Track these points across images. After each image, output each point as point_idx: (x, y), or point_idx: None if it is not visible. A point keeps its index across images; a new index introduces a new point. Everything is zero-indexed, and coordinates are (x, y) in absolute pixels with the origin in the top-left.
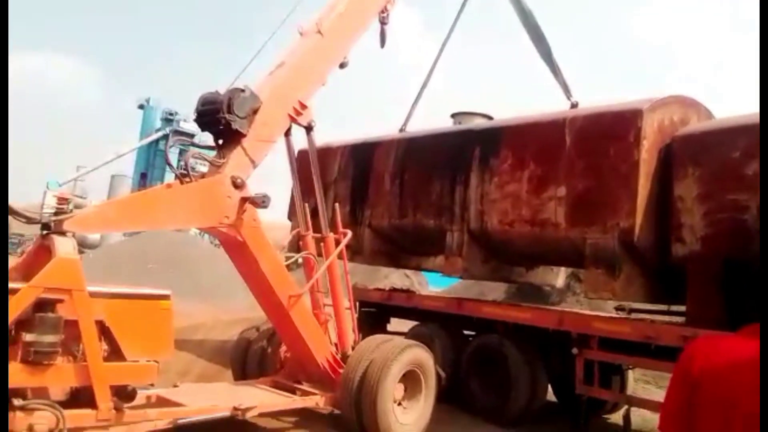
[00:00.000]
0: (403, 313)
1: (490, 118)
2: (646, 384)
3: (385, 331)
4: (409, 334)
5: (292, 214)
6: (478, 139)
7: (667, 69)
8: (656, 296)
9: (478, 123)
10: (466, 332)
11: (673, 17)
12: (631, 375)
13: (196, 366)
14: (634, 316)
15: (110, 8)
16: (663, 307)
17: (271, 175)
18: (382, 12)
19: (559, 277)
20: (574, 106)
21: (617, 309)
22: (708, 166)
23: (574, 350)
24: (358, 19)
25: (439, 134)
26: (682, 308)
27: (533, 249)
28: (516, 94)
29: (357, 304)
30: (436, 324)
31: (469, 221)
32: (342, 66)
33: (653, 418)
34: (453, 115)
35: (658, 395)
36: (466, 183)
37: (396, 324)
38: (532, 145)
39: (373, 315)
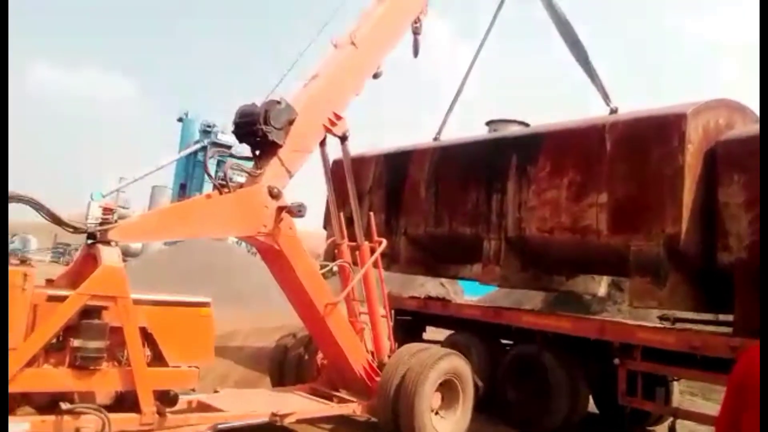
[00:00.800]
0: (439, 321)
1: (526, 125)
2: (693, 396)
3: (420, 340)
4: (445, 343)
5: (327, 223)
6: (514, 146)
7: (713, 72)
8: (703, 305)
9: (514, 130)
10: (503, 341)
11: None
12: (677, 386)
13: (235, 372)
14: (678, 325)
15: (147, 26)
16: (710, 317)
17: (307, 184)
18: (415, 22)
19: (601, 285)
20: (613, 111)
21: (661, 318)
22: (753, 171)
23: (616, 360)
24: (391, 30)
25: (475, 142)
26: (730, 318)
27: (574, 256)
28: (552, 101)
29: (392, 312)
30: (473, 333)
31: (507, 229)
32: (376, 76)
33: (701, 430)
34: (488, 123)
35: (706, 407)
36: (503, 191)
37: (431, 333)
38: (571, 151)
39: (409, 323)
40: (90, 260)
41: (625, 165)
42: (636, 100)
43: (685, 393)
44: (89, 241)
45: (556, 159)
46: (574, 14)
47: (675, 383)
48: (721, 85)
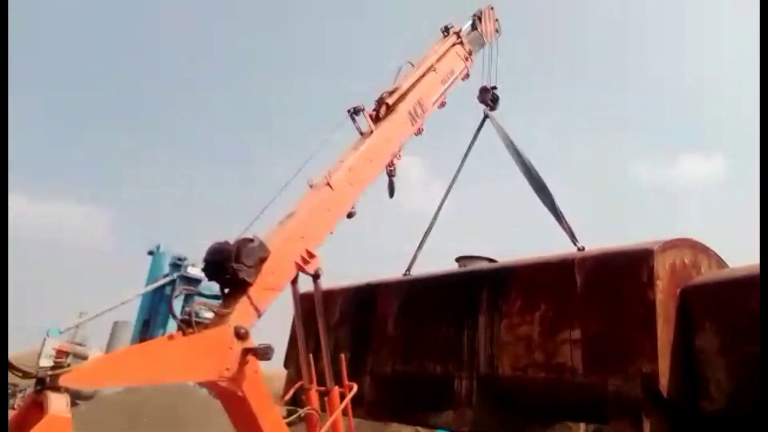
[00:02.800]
0: None
1: (493, 261)
2: None
3: None
4: None
5: (289, 362)
6: (485, 280)
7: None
8: None
9: (484, 265)
10: None
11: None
12: None
13: None
14: None
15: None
16: None
17: (264, 321)
18: (389, 165)
19: None
20: (581, 251)
21: None
22: (726, 318)
23: None
24: (366, 173)
25: (445, 276)
26: None
27: (549, 399)
28: (520, 235)
29: None
30: None
31: (479, 366)
32: (350, 216)
33: None
34: (458, 259)
35: None
36: (474, 326)
37: None
38: (542, 285)
39: None
40: (36, 408)
41: (597, 301)
42: (603, 242)
43: None
44: (38, 387)
45: (527, 293)
46: (540, 162)
47: None
48: (682, 231)
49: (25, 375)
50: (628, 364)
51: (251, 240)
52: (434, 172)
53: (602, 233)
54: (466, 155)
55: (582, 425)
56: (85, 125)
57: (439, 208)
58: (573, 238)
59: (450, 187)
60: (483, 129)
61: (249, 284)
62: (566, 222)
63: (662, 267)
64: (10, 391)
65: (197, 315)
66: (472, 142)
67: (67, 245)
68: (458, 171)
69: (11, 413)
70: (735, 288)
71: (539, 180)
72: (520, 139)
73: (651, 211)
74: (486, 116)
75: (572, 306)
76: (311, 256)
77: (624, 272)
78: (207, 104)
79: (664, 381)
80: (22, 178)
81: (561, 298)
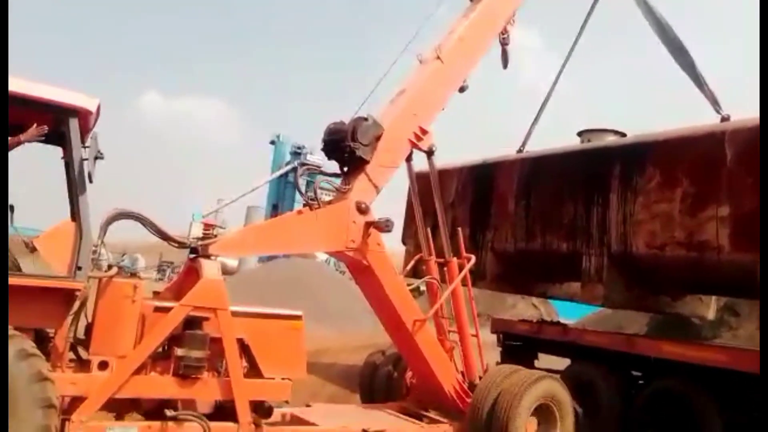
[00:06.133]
0: (554, 348)
1: (622, 134)
2: None
3: (532, 368)
4: (566, 374)
5: (407, 238)
6: (617, 156)
7: None
8: None
9: (613, 140)
10: (634, 373)
11: None
12: None
13: (325, 389)
14: None
15: (251, 55)
16: None
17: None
18: (503, 33)
19: (710, 308)
20: (725, 120)
21: None
22: None
23: None
24: (477, 43)
25: (571, 153)
26: None
27: (688, 275)
28: (648, 110)
29: (500, 336)
30: (597, 363)
31: (610, 244)
32: (462, 90)
33: None
34: (580, 133)
35: None
36: (605, 203)
37: (544, 361)
38: (684, 160)
39: (518, 349)
40: (192, 274)
41: (750, 175)
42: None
43: None
44: (191, 256)
45: (667, 169)
46: (676, 15)
47: None
48: None
49: (180, 245)
50: None
51: (365, 119)
52: (553, 42)
53: (751, 100)
54: (586, 20)
55: (713, 299)
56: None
57: (556, 80)
58: (716, 105)
59: (568, 56)
60: None
61: (366, 162)
62: (708, 87)
63: None
64: (167, 267)
65: (320, 198)
66: (595, 3)
67: (198, 137)
68: (576, 40)
69: (171, 281)
70: None
71: (676, 40)
72: None
73: None
74: None
75: (720, 181)
76: (424, 132)
77: None
78: None
79: None
80: (156, 78)
81: (707, 173)
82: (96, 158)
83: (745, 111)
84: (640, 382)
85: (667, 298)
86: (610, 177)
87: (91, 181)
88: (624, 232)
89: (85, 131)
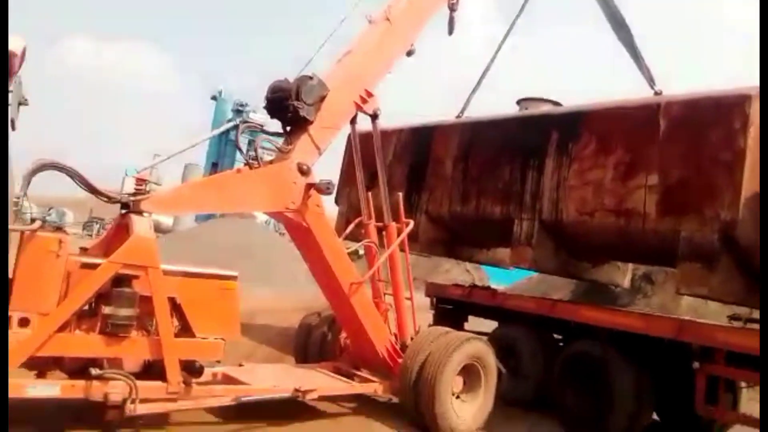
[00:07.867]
0: (483, 312)
1: (558, 104)
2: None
3: (462, 330)
4: (493, 336)
5: (340, 198)
6: (555, 123)
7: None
8: (755, 299)
9: (551, 108)
10: (555, 336)
11: None
12: (745, 393)
13: (260, 350)
14: (750, 326)
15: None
16: None
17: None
18: None
19: (626, 276)
20: (657, 95)
21: (731, 318)
22: None
23: (695, 365)
24: (427, 6)
25: (510, 119)
26: None
27: (614, 242)
28: (582, 81)
29: (434, 299)
30: (522, 326)
31: (542, 210)
32: (409, 54)
33: None
34: (519, 102)
35: None
36: (540, 169)
37: (473, 323)
38: (619, 130)
39: (450, 312)
40: (122, 230)
41: (680, 146)
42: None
43: (752, 400)
44: (123, 211)
45: (603, 137)
46: None
47: (744, 390)
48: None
49: (110, 200)
50: (707, 210)
51: (311, 78)
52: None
53: (685, 79)
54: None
55: (629, 266)
56: None
57: (498, 48)
58: (651, 81)
59: (512, 24)
60: None
61: (309, 122)
62: (645, 64)
63: (756, 113)
64: (97, 223)
65: (260, 158)
66: None
67: (135, 86)
68: (522, 9)
69: (99, 237)
70: None
71: (618, 14)
72: None
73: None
74: None
75: (652, 151)
76: (369, 95)
77: (714, 117)
78: None
79: (741, 228)
80: (86, 21)
81: (640, 142)
82: (20, 104)
83: (678, 88)
84: (561, 344)
85: (587, 265)
86: (547, 144)
87: (14, 129)
88: (557, 198)
89: (9, 74)
